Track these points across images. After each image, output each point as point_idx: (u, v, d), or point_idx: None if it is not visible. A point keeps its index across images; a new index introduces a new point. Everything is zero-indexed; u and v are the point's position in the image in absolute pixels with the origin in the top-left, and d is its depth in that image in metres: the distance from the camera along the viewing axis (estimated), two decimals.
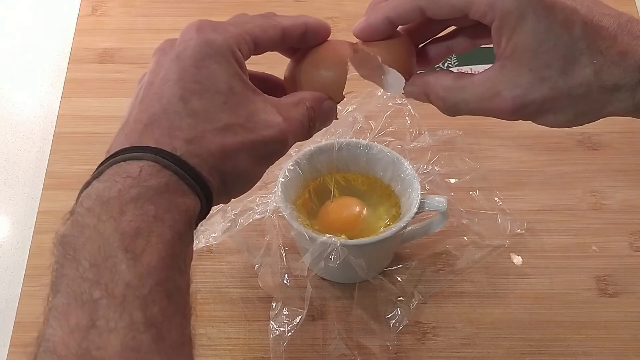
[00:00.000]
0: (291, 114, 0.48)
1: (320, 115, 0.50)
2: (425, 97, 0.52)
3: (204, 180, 0.44)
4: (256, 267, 0.67)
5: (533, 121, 0.50)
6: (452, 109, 0.51)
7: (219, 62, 0.46)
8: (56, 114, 0.81)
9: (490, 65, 0.49)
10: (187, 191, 0.43)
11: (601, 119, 0.50)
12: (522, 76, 0.47)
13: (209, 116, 0.45)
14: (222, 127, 0.45)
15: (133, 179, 0.42)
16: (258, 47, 0.49)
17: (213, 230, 0.69)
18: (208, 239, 0.69)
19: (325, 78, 0.51)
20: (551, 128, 0.50)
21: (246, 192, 0.49)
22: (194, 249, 0.67)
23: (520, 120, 0.50)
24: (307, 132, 0.50)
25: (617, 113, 0.49)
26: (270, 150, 0.48)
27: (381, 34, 0.50)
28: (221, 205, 0.69)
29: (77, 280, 0.40)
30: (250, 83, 0.47)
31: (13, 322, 0.66)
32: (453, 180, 0.73)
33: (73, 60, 0.86)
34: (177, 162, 0.43)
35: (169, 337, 0.40)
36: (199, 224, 0.46)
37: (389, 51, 0.51)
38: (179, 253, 0.42)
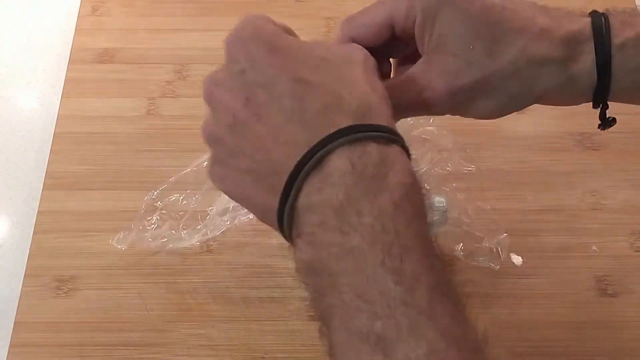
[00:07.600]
0: None
1: None
2: None
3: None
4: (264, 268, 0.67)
5: (465, 113, 0.49)
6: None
7: None
8: (56, 113, 0.81)
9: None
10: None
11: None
12: (448, 63, 0.47)
13: None
14: None
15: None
16: None
17: (212, 229, 0.69)
18: (208, 240, 0.69)
19: None
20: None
21: None
22: (192, 251, 0.67)
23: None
24: None
25: (550, 91, 0.48)
26: None
27: None
28: (220, 206, 0.69)
29: (349, 312, 0.37)
30: None
31: (13, 322, 0.66)
32: (453, 181, 0.73)
33: (73, 60, 0.86)
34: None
35: (469, 342, 0.39)
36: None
37: None
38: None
